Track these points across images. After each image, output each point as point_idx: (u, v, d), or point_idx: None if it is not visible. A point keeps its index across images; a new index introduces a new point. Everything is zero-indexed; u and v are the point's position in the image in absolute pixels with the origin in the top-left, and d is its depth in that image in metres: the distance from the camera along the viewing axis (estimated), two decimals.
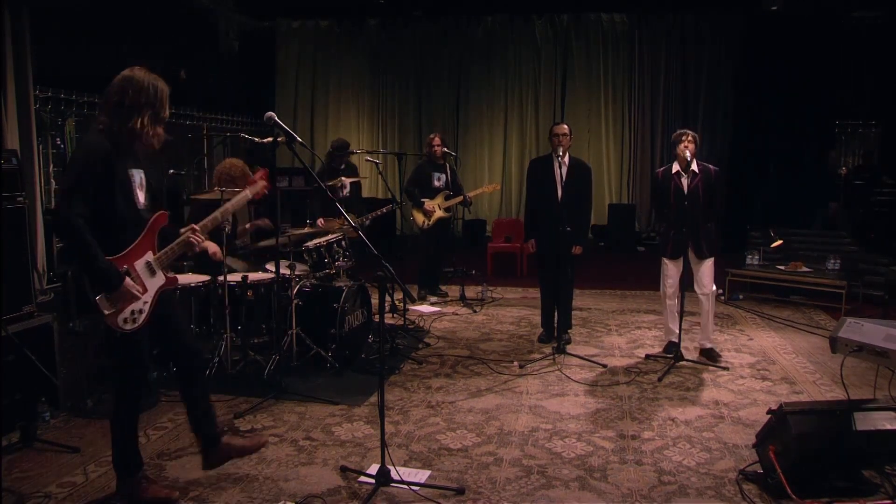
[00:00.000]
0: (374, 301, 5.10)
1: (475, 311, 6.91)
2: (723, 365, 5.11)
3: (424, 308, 6.99)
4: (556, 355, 5.29)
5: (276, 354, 4.67)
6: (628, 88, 11.82)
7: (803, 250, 8.07)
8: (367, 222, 6.32)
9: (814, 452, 3.18)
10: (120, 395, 3.05)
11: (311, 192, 7.41)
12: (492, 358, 5.33)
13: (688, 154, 5.01)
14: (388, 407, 4.11)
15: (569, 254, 5.44)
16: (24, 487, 3.24)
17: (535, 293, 6.68)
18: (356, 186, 7.26)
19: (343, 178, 6.61)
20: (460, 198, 7.20)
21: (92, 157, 2.80)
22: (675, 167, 5.11)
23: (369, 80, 12.39)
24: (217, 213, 3.26)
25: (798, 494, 3.05)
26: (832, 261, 7.29)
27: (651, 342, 5.79)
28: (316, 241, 5.23)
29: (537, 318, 6.14)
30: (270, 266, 4.91)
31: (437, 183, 7.24)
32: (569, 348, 5.46)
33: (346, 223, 3.43)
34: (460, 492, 3.20)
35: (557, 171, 5.43)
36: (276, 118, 3.54)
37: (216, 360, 4.70)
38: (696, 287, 5.17)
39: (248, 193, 3.44)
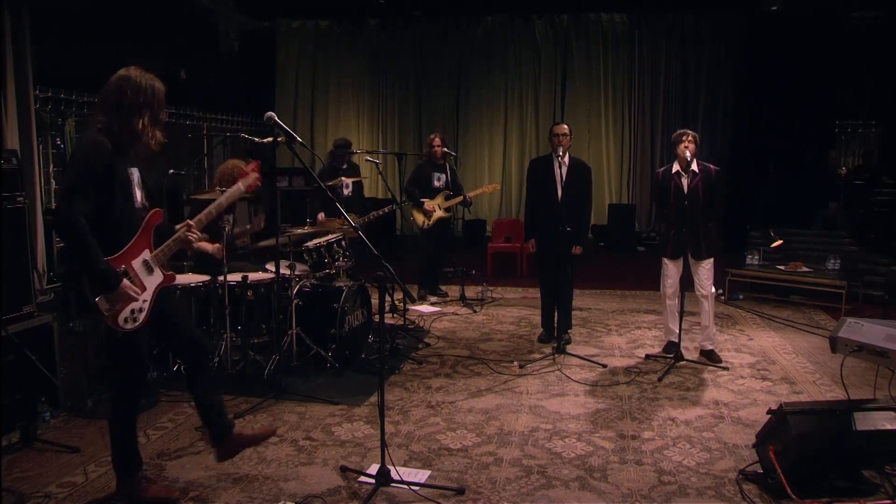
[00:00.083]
0: (374, 301, 5.10)
1: (475, 311, 6.91)
2: (723, 365, 5.11)
3: (424, 308, 6.99)
4: (556, 355, 5.29)
5: (276, 354, 4.67)
6: (628, 88, 11.82)
7: (803, 250, 8.07)
8: (374, 218, 6.34)
9: (814, 452, 3.18)
10: (119, 395, 3.05)
11: (311, 191, 7.42)
12: (492, 358, 5.33)
13: (688, 154, 5.01)
14: (388, 407, 4.11)
15: (569, 254, 5.44)
16: (24, 487, 3.24)
17: (535, 293, 6.68)
18: (358, 186, 7.27)
19: (343, 178, 6.61)
20: (460, 198, 7.20)
21: (92, 157, 2.80)
22: (675, 167, 5.11)
23: (369, 80, 12.38)
24: (211, 208, 3.26)
25: (798, 494, 3.05)
26: (832, 261, 7.29)
27: (651, 342, 5.79)
28: (316, 241, 5.23)
29: (537, 318, 6.14)
30: (270, 266, 4.91)
31: (437, 183, 7.24)
32: (569, 348, 5.47)
33: (347, 223, 3.43)
34: (460, 492, 3.20)
35: (557, 171, 5.43)
36: (276, 118, 3.54)
37: (216, 360, 4.70)
38: (695, 288, 5.17)
39: (240, 186, 3.45)
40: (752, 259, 7.62)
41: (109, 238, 2.81)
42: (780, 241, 7.53)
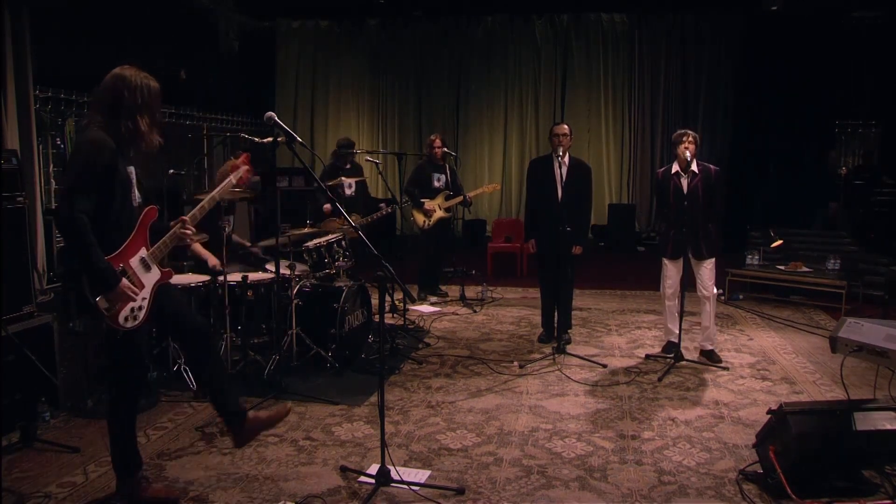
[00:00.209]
0: (374, 301, 5.10)
1: (475, 311, 6.91)
2: (723, 365, 5.11)
3: (424, 308, 6.99)
4: (556, 355, 5.29)
5: (276, 354, 4.67)
6: (628, 88, 11.82)
7: (803, 250, 8.07)
8: (376, 219, 6.35)
9: (814, 452, 3.18)
10: (119, 395, 3.05)
11: (309, 192, 7.44)
12: (492, 358, 5.33)
13: (688, 154, 5.01)
14: (388, 407, 4.11)
15: (569, 254, 5.44)
16: (24, 487, 3.24)
17: (535, 293, 6.68)
18: (362, 185, 7.27)
19: (343, 178, 6.62)
20: (460, 198, 7.20)
21: (93, 156, 2.79)
22: (675, 167, 5.11)
23: (369, 80, 12.38)
24: (204, 202, 3.26)
25: (798, 494, 3.05)
26: (832, 261, 7.29)
27: (651, 342, 5.79)
28: (316, 241, 5.23)
29: (537, 318, 6.14)
30: (270, 266, 4.92)
31: (437, 183, 7.24)
32: (569, 348, 5.46)
33: (347, 223, 3.43)
34: (460, 492, 3.20)
35: (557, 171, 5.43)
36: (276, 118, 3.54)
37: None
38: (697, 288, 5.17)
39: (231, 180, 3.48)
40: (752, 259, 7.62)
41: (108, 237, 2.81)
42: (780, 241, 7.53)
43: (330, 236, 5.37)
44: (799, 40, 10.58)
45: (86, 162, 2.79)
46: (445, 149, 7.36)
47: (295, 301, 4.89)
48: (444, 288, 7.61)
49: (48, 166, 7.18)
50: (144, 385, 3.74)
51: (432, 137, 7.43)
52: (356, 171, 7.12)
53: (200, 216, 3.21)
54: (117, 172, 2.85)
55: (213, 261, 4.87)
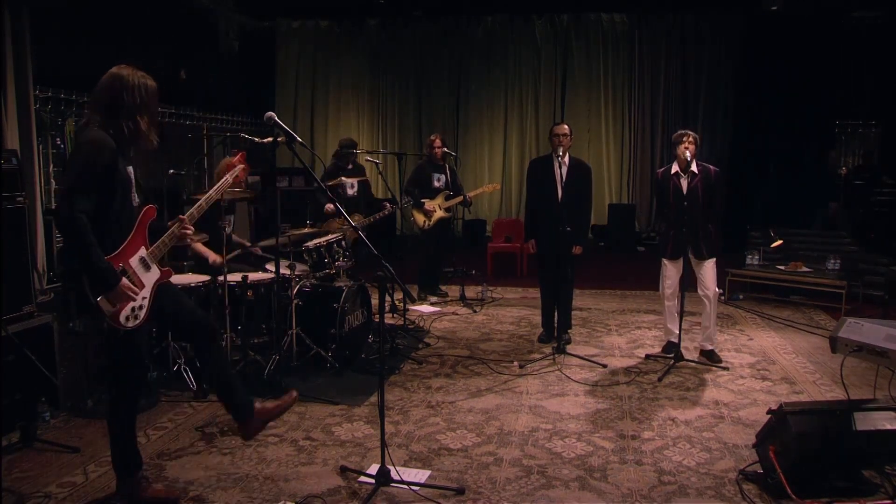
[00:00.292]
0: (374, 301, 5.10)
1: (475, 311, 6.91)
2: (723, 365, 5.11)
3: (424, 308, 6.99)
4: (556, 355, 5.29)
5: (276, 354, 4.67)
6: (628, 88, 11.82)
7: (803, 250, 8.07)
8: (377, 219, 6.35)
9: (814, 452, 3.18)
10: (119, 395, 3.05)
11: (309, 192, 7.44)
12: (492, 358, 5.33)
13: (688, 155, 5.01)
14: (388, 407, 4.11)
15: (569, 254, 5.44)
16: (24, 487, 3.24)
17: (535, 293, 6.68)
18: (365, 185, 7.27)
19: (343, 178, 6.62)
20: (460, 198, 7.20)
21: (93, 155, 2.79)
22: (675, 167, 5.11)
23: (369, 80, 12.38)
24: (202, 201, 3.27)
25: (798, 494, 3.05)
26: (832, 261, 7.29)
27: (651, 342, 5.79)
28: (316, 241, 5.23)
29: (537, 318, 6.14)
30: (270, 266, 4.92)
31: (437, 183, 7.24)
32: (569, 348, 5.46)
33: (347, 223, 3.43)
34: (460, 492, 3.20)
35: (557, 172, 5.43)
36: (276, 118, 3.54)
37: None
38: (698, 288, 5.17)
39: (228, 179, 3.49)
40: (752, 259, 7.62)
41: (108, 237, 2.82)
42: (780, 241, 7.53)
43: (330, 236, 5.37)
44: (799, 40, 10.58)
45: (86, 162, 2.79)
46: (445, 149, 7.35)
47: (295, 301, 4.89)
48: (444, 288, 7.61)
49: (48, 166, 7.18)
50: (144, 385, 3.74)
51: (432, 137, 7.43)
52: (358, 171, 7.12)
53: (198, 215, 3.21)
54: (117, 172, 2.85)
55: (213, 257, 4.87)
